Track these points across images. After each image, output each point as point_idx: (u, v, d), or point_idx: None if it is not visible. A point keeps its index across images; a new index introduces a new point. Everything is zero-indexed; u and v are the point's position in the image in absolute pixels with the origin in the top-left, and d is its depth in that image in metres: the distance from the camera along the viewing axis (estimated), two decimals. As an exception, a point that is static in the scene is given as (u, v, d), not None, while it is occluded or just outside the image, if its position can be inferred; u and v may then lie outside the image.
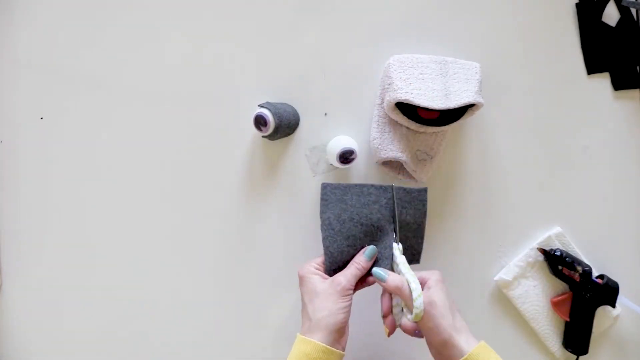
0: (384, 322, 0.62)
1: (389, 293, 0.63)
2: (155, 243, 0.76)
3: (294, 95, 0.73)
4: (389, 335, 0.62)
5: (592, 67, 0.74)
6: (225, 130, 0.74)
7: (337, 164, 0.67)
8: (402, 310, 0.61)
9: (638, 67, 0.74)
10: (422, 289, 0.59)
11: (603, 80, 0.74)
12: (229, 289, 0.76)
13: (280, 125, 0.66)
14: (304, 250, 0.75)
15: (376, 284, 0.63)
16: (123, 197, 0.76)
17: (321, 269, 0.64)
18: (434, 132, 0.69)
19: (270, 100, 0.73)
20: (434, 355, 0.59)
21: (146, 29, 0.74)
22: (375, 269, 0.62)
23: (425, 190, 0.67)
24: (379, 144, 0.69)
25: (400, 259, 0.62)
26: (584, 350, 0.73)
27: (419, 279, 0.61)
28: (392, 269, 0.63)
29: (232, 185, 0.75)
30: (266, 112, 0.64)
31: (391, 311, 0.62)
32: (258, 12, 0.73)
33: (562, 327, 0.75)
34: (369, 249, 0.63)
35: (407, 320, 0.59)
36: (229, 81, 0.74)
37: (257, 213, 0.75)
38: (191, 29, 0.74)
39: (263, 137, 0.69)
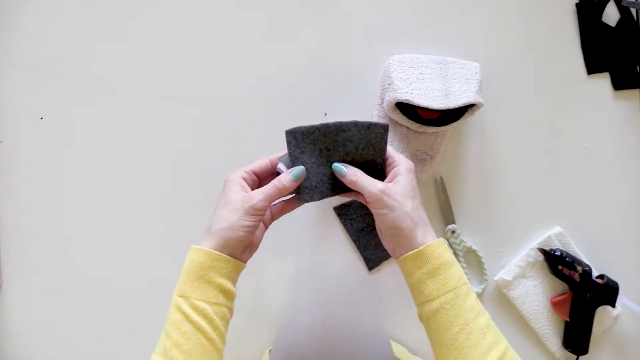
0: None
1: None
2: (156, 244, 0.76)
3: (294, 95, 0.73)
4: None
5: (592, 67, 0.74)
6: (225, 130, 0.74)
7: (337, 164, 0.66)
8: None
9: (638, 67, 0.74)
10: (389, 173, 0.56)
11: (603, 80, 0.74)
12: (246, 291, 0.76)
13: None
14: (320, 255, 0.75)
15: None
16: (124, 198, 0.76)
17: (248, 177, 0.57)
18: (434, 132, 0.69)
19: (270, 102, 0.73)
20: (386, 246, 0.57)
21: (146, 29, 0.74)
22: (335, 164, 0.56)
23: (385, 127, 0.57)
24: (379, 144, 0.69)
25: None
26: (584, 350, 0.73)
27: (390, 160, 0.57)
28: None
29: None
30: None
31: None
32: (258, 12, 0.73)
33: (562, 327, 0.75)
34: (297, 169, 0.56)
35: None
36: (229, 81, 0.74)
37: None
38: (190, 30, 0.74)
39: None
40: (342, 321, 0.76)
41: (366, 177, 0.55)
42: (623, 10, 0.73)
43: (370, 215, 0.74)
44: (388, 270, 0.75)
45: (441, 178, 0.70)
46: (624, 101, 0.74)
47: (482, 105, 0.66)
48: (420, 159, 0.71)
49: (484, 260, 0.73)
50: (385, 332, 0.76)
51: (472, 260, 0.75)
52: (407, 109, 0.66)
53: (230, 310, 0.54)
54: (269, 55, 0.73)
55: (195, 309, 0.51)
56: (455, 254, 0.66)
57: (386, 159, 0.58)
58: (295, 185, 0.56)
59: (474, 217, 0.75)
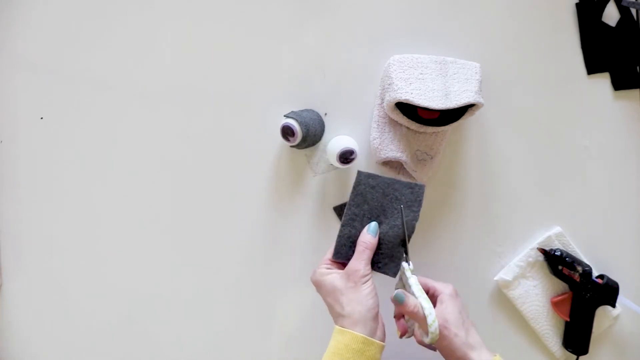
0: (396, 323, 0.62)
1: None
2: (159, 244, 0.76)
3: (293, 95, 0.73)
4: (400, 337, 0.62)
5: (592, 67, 0.74)
6: (224, 130, 0.74)
7: (337, 164, 0.67)
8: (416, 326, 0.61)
9: (638, 67, 0.74)
10: (435, 303, 0.59)
11: (603, 80, 0.74)
12: (246, 291, 0.76)
13: (308, 135, 0.66)
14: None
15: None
16: (124, 197, 0.76)
17: (332, 266, 0.61)
18: (434, 132, 0.69)
19: (269, 102, 0.73)
20: None
21: (147, 30, 0.74)
22: (397, 292, 0.59)
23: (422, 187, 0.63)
24: (379, 144, 0.69)
25: (412, 279, 0.59)
26: (584, 350, 0.73)
27: (432, 290, 0.61)
28: (402, 287, 0.62)
29: (248, 187, 0.75)
30: (293, 123, 0.64)
31: (403, 317, 0.63)
32: (258, 13, 0.73)
33: (562, 327, 0.75)
34: (372, 226, 0.60)
35: (420, 335, 0.60)
36: (228, 81, 0.74)
37: (277, 218, 0.75)
38: (190, 30, 0.74)
39: (291, 146, 0.67)
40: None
41: (425, 302, 0.57)
42: (623, 10, 0.73)
43: None
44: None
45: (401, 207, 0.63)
46: (624, 101, 0.74)
47: (482, 105, 0.66)
48: (420, 159, 0.71)
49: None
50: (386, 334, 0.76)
51: None
52: (407, 109, 0.66)
53: None
54: (269, 55, 0.73)
55: None
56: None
57: (428, 289, 0.62)
58: (376, 239, 0.60)
59: (474, 217, 0.75)
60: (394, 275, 0.61)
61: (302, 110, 0.70)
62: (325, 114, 0.73)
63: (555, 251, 0.72)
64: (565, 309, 0.73)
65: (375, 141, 0.70)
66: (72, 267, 0.77)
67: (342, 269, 0.60)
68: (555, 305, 0.74)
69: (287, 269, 0.75)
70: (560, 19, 0.73)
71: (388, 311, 0.62)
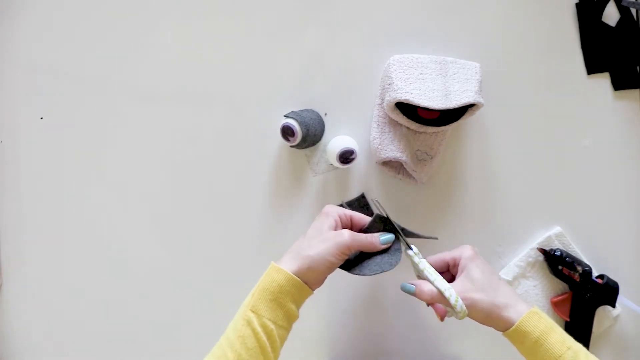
0: (433, 309, 0.62)
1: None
2: (159, 244, 0.76)
3: (293, 95, 0.73)
4: (442, 320, 0.62)
5: (592, 67, 0.74)
6: (225, 130, 0.74)
7: (337, 164, 0.67)
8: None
9: (638, 67, 0.74)
10: (457, 272, 0.59)
11: (603, 80, 0.74)
12: (246, 291, 0.76)
13: (308, 135, 0.66)
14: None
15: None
16: (124, 197, 0.76)
17: (345, 219, 0.61)
18: (434, 132, 0.69)
19: (269, 102, 0.73)
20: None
21: (147, 29, 0.74)
22: (402, 284, 0.60)
23: (362, 196, 0.71)
24: (379, 144, 0.69)
25: (421, 264, 0.59)
26: (584, 350, 0.73)
27: (450, 260, 0.60)
28: (419, 276, 0.62)
29: (248, 186, 0.75)
30: (293, 123, 0.64)
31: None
32: (258, 13, 0.73)
33: (562, 327, 0.75)
34: (388, 237, 0.61)
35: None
36: (229, 81, 0.74)
37: (279, 218, 0.75)
38: (190, 30, 0.74)
39: (291, 146, 0.67)
40: (342, 322, 0.76)
41: (443, 285, 0.57)
42: (623, 10, 0.73)
43: (370, 215, 0.74)
44: (388, 274, 0.75)
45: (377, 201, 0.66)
46: (624, 101, 0.74)
47: (482, 105, 0.66)
48: (420, 159, 0.71)
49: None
50: (386, 334, 0.76)
51: None
52: (407, 109, 0.66)
53: (288, 333, 0.57)
54: (269, 55, 0.73)
55: (264, 327, 0.53)
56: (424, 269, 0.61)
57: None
58: (381, 247, 0.60)
59: (473, 217, 0.75)
60: (344, 268, 0.60)
61: (302, 110, 0.70)
62: (325, 114, 0.73)
63: (555, 251, 0.72)
64: (565, 309, 0.73)
65: (375, 141, 0.70)
66: (73, 267, 0.77)
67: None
68: (555, 305, 0.74)
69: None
70: (560, 19, 0.73)
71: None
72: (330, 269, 0.57)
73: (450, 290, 0.56)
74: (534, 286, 0.75)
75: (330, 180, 0.74)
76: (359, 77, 0.73)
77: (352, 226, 0.62)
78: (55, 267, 0.77)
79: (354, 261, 0.61)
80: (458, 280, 0.58)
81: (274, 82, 0.74)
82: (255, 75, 0.74)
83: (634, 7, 0.72)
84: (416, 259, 0.60)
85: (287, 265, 0.56)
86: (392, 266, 0.61)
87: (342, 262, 0.58)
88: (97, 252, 0.77)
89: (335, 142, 0.69)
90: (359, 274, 0.60)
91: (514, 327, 0.55)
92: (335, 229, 0.59)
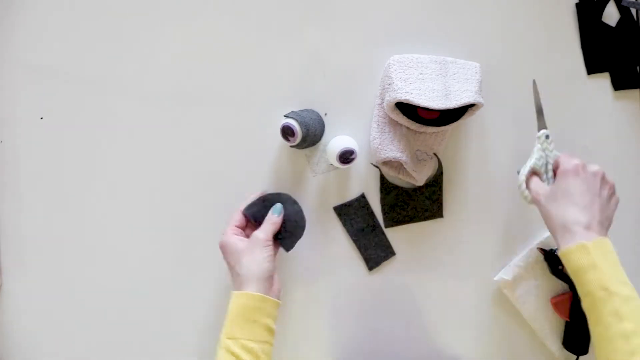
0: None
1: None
2: (160, 245, 0.76)
3: (293, 95, 0.73)
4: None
5: (592, 67, 0.74)
6: (224, 130, 0.74)
7: (337, 164, 0.67)
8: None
9: (638, 67, 0.74)
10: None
11: (603, 80, 0.74)
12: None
13: (308, 135, 0.66)
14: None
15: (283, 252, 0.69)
16: (124, 197, 0.76)
17: (238, 232, 0.67)
18: (434, 132, 0.69)
19: (269, 102, 0.73)
20: None
21: (147, 29, 0.74)
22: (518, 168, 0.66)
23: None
24: (379, 144, 0.69)
25: (536, 147, 0.67)
26: (584, 350, 0.73)
27: (555, 164, 0.64)
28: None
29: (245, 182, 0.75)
30: (293, 123, 0.63)
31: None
32: (258, 13, 0.73)
33: (562, 327, 0.75)
34: (276, 207, 0.68)
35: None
36: (228, 82, 0.74)
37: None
38: (190, 30, 0.74)
39: (291, 146, 0.67)
40: (342, 322, 0.76)
41: (533, 181, 0.64)
42: (623, 10, 0.73)
43: (370, 215, 0.74)
44: (388, 270, 0.75)
45: (534, 81, 0.69)
46: (624, 101, 0.74)
47: (482, 105, 0.66)
48: (420, 159, 0.71)
49: None
50: (386, 334, 0.76)
51: None
52: (407, 109, 0.66)
53: (272, 346, 0.59)
54: (269, 55, 0.73)
55: (244, 348, 0.56)
56: (547, 162, 0.67)
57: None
58: (279, 218, 0.67)
59: (474, 217, 0.75)
60: (287, 249, 0.69)
61: (302, 110, 0.70)
62: (325, 114, 0.73)
63: (555, 251, 0.72)
64: (565, 309, 0.73)
65: (375, 141, 0.70)
66: (73, 267, 0.77)
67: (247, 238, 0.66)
68: (555, 305, 0.74)
69: (287, 269, 0.75)
70: (560, 19, 0.73)
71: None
72: (272, 261, 0.63)
73: (521, 176, 0.64)
74: (534, 286, 0.75)
75: (330, 180, 0.74)
76: (359, 77, 0.73)
77: (242, 229, 0.68)
78: (55, 267, 0.77)
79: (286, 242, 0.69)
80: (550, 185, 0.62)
81: (274, 82, 0.73)
82: (255, 75, 0.74)
83: (634, 7, 0.72)
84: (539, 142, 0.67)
85: (248, 289, 0.60)
86: (304, 221, 0.70)
87: (274, 254, 0.65)
88: (97, 252, 0.77)
89: (335, 142, 0.69)
90: (291, 249, 0.69)
91: (562, 250, 0.56)
92: (242, 239, 0.65)
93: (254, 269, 0.61)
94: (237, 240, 0.65)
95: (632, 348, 0.50)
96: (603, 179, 0.61)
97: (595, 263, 0.54)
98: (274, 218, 0.67)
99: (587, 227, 0.56)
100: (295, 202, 0.70)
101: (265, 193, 0.71)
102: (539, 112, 0.69)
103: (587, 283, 0.54)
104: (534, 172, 0.65)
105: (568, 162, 0.60)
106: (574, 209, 0.57)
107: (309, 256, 0.75)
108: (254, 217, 0.69)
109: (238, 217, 0.68)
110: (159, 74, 0.74)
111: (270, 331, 0.60)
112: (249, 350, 0.56)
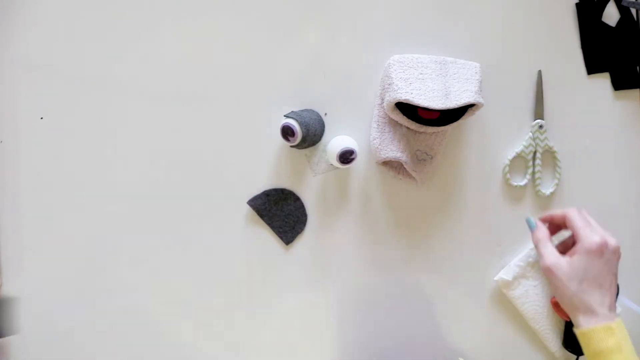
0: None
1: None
2: (160, 245, 0.76)
3: (293, 95, 0.73)
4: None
5: (592, 67, 0.74)
6: (224, 130, 0.74)
7: (337, 164, 0.67)
8: None
9: (638, 67, 0.74)
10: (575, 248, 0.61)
11: (603, 80, 0.74)
12: (244, 292, 0.76)
13: (308, 135, 0.66)
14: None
15: None
16: (124, 198, 0.76)
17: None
18: (434, 132, 0.69)
19: (269, 102, 0.73)
20: None
21: (147, 29, 0.74)
22: (528, 218, 0.67)
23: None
24: (379, 144, 0.69)
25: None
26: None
27: (575, 235, 0.61)
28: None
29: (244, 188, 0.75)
30: (293, 123, 0.64)
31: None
32: (258, 12, 0.73)
33: (562, 327, 0.75)
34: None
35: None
36: (228, 81, 0.74)
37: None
38: (190, 30, 0.74)
39: (291, 146, 0.68)
40: (342, 322, 0.76)
41: (545, 247, 0.62)
42: (623, 10, 0.73)
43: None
44: (388, 271, 0.75)
45: (540, 71, 0.72)
46: (624, 101, 0.74)
47: (482, 105, 0.66)
48: (420, 159, 0.71)
49: (560, 165, 0.73)
50: (385, 334, 0.76)
51: (547, 161, 0.75)
52: (407, 109, 0.66)
53: None
54: (269, 55, 0.73)
55: None
56: (535, 150, 0.72)
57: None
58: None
59: (474, 217, 0.75)
60: (287, 243, 0.73)
61: (302, 110, 0.70)
62: (325, 114, 0.73)
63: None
64: (566, 309, 0.73)
65: (375, 141, 0.70)
66: (73, 267, 0.77)
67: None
68: (555, 305, 0.74)
69: (286, 269, 0.75)
70: (560, 19, 0.73)
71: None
72: None
73: (505, 161, 0.70)
74: (534, 286, 0.75)
75: (330, 180, 0.74)
76: (359, 77, 0.73)
77: None
78: (55, 267, 0.77)
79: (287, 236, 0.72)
80: (567, 258, 0.60)
81: (274, 82, 0.73)
82: (255, 75, 0.74)
83: (634, 7, 0.72)
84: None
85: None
86: (305, 216, 0.73)
87: None
88: (97, 252, 0.77)
89: (335, 142, 0.69)
90: (291, 242, 0.73)
91: (581, 329, 0.57)
92: None
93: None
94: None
95: None
96: (620, 256, 0.61)
97: (621, 346, 0.56)
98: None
99: (610, 308, 0.58)
100: (298, 198, 0.72)
101: (269, 188, 0.73)
102: (539, 101, 0.70)
103: None
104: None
105: (591, 241, 0.59)
106: (600, 291, 0.58)
107: (309, 256, 0.75)
108: (257, 209, 0.71)
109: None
110: (159, 74, 0.74)
111: None
112: None
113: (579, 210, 0.63)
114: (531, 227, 0.66)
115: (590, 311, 0.57)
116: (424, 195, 0.74)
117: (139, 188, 0.76)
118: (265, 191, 0.73)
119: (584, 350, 0.58)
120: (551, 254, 0.60)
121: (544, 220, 0.68)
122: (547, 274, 0.60)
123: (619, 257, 0.61)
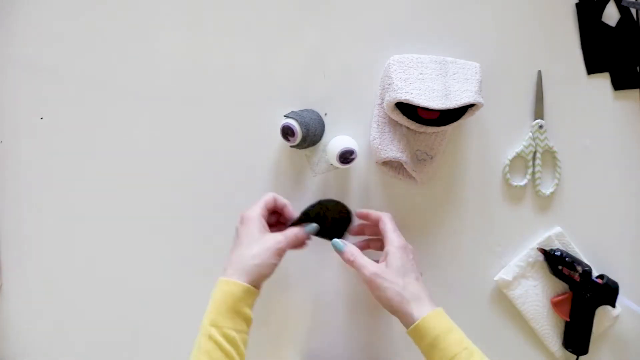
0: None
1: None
2: (159, 245, 0.76)
3: (293, 95, 0.73)
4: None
5: (592, 67, 0.74)
6: (224, 130, 0.74)
7: (337, 164, 0.67)
8: None
9: (638, 67, 0.74)
10: (384, 250, 0.63)
11: (603, 80, 0.74)
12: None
13: (308, 135, 0.66)
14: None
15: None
16: (124, 198, 0.76)
17: (265, 214, 0.64)
18: (434, 132, 0.69)
19: (269, 102, 0.73)
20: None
21: (147, 29, 0.74)
22: (334, 240, 0.65)
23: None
24: (379, 144, 0.69)
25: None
26: (584, 350, 0.73)
27: (384, 238, 0.64)
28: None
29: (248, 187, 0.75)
30: (293, 123, 0.64)
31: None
32: (258, 12, 0.73)
33: (562, 327, 0.75)
34: (312, 227, 0.66)
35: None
36: (228, 82, 0.74)
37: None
38: (190, 30, 0.74)
39: (291, 146, 0.68)
40: (342, 322, 0.76)
41: (362, 258, 0.63)
42: (623, 10, 0.73)
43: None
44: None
45: (539, 71, 0.72)
46: (624, 101, 0.74)
47: (482, 105, 0.66)
48: (420, 159, 0.71)
49: (560, 165, 0.74)
50: (385, 334, 0.76)
51: (547, 161, 0.75)
52: (407, 109, 0.66)
53: (248, 334, 0.60)
54: (269, 55, 0.73)
55: (226, 337, 0.56)
56: (535, 150, 0.72)
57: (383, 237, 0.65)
58: (306, 237, 0.65)
59: (474, 217, 0.75)
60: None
61: (302, 110, 0.70)
62: (325, 114, 0.73)
63: (555, 251, 0.72)
64: (565, 309, 0.73)
65: (375, 141, 0.70)
66: (73, 268, 0.77)
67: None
68: (555, 305, 0.74)
69: (286, 269, 0.75)
70: (560, 19, 0.73)
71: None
72: (273, 271, 0.61)
73: (505, 160, 0.71)
74: (534, 286, 0.75)
75: (330, 180, 0.74)
76: (359, 77, 0.73)
77: (268, 212, 0.66)
78: (55, 268, 0.77)
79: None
80: (383, 263, 0.62)
81: (274, 82, 0.73)
82: (255, 75, 0.74)
83: (634, 7, 0.72)
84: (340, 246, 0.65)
85: (237, 277, 0.59)
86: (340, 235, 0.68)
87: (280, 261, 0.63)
88: (97, 252, 0.77)
89: (335, 142, 0.69)
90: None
91: (415, 323, 0.58)
92: (267, 230, 0.63)
93: (257, 266, 0.59)
94: (261, 227, 0.62)
95: None
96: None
97: (452, 326, 0.59)
98: (300, 234, 0.65)
99: (430, 298, 0.61)
100: (347, 215, 0.69)
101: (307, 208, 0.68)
102: (539, 101, 0.71)
103: (450, 344, 0.57)
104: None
105: (399, 240, 0.64)
106: (418, 283, 0.61)
107: (308, 256, 0.75)
108: (319, 235, 0.68)
109: (270, 199, 0.65)
110: (159, 74, 0.74)
111: (249, 321, 0.60)
112: (230, 340, 0.56)
113: (391, 216, 0.66)
114: (339, 249, 0.64)
115: (418, 299, 0.59)
116: (424, 195, 0.74)
117: (139, 188, 0.76)
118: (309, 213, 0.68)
119: (420, 345, 0.59)
120: (371, 263, 0.62)
121: (360, 216, 0.69)
122: (374, 280, 0.60)
123: (417, 258, 0.65)
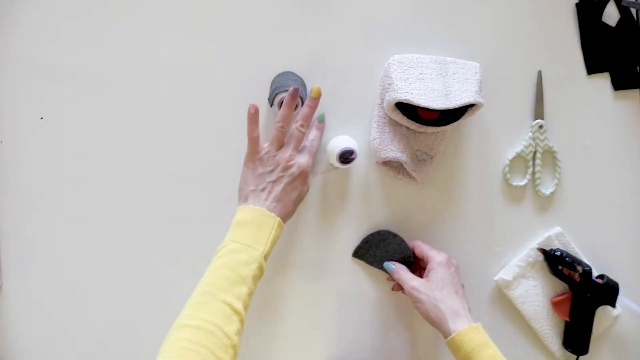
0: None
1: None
2: (159, 244, 0.76)
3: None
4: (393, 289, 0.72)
5: (592, 67, 0.74)
6: (224, 130, 0.74)
7: (337, 164, 0.67)
8: None
9: (638, 67, 0.74)
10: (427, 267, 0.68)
11: (603, 80, 0.74)
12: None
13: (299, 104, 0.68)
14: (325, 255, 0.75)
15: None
16: (125, 198, 0.76)
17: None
18: (434, 132, 0.69)
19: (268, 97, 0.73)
20: None
21: (147, 29, 0.74)
22: (385, 263, 0.71)
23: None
24: (379, 144, 0.69)
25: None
26: (584, 350, 0.73)
27: (425, 259, 0.68)
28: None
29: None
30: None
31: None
32: (257, 12, 0.73)
33: (562, 327, 0.75)
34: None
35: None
36: (228, 82, 0.74)
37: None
38: (190, 30, 0.74)
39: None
40: (341, 322, 0.76)
41: (405, 273, 0.68)
42: (623, 10, 0.73)
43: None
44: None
45: (539, 72, 0.73)
46: (624, 101, 0.74)
47: (482, 105, 0.66)
48: (420, 159, 0.71)
49: (560, 165, 0.74)
50: (385, 333, 0.76)
51: (547, 161, 0.75)
52: (407, 109, 0.66)
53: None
54: (269, 55, 0.73)
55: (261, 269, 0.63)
56: (535, 150, 0.73)
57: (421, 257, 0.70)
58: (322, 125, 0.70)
59: (473, 217, 0.75)
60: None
61: (279, 78, 0.71)
62: (325, 114, 0.73)
63: (555, 251, 0.72)
64: (565, 309, 0.73)
65: (375, 141, 0.70)
66: (73, 268, 0.77)
67: None
68: (555, 305, 0.74)
69: (286, 269, 0.75)
70: (560, 19, 0.73)
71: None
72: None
73: (505, 160, 0.73)
74: (534, 286, 0.75)
75: (330, 180, 0.74)
76: (359, 77, 0.73)
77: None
78: (55, 268, 0.77)
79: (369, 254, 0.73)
80: (424, 276, 0.67)
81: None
82: (255, 75, 0.74)
83: (634, 7, 0.72)
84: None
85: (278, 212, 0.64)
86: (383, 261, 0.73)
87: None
88: (97, 252, 0.77)
89: (335, 142, 0.69)
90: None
91: (451, 336, 0.60)
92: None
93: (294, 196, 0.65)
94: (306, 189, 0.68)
95: None
96: (459, 272, 0.69)
97: (488, 341, 0.61)
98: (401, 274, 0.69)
99: (469, 312, 0.64)
100: (396, 235, 0.73)
101: (367, 235, 0.74)
102: (539, 101, 0.72)
103: (483, 358, 0.59)
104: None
105: (440, 256, 0.67)
106: (457, 297, 0.65)
107: (309, 256, 0.75)
108: (363, 259, 0.74)
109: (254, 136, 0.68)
110: (159, 73, 0.74)
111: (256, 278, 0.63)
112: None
113: (421, 240, 0.72)
114: (389, 270, 0.70)
115: (455, 313, 0.62)
116: (424, 195, 0.74)
117: (139, 188, 0.76)
118: (364, 239, 0.73)
119: (456, 355, 0.61)
120: (412, 278, 0.67)
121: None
122: (414, 292, 0.65)
123: (459, 273, 0.69)
